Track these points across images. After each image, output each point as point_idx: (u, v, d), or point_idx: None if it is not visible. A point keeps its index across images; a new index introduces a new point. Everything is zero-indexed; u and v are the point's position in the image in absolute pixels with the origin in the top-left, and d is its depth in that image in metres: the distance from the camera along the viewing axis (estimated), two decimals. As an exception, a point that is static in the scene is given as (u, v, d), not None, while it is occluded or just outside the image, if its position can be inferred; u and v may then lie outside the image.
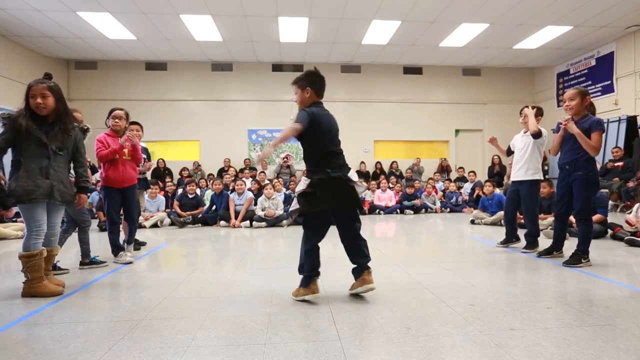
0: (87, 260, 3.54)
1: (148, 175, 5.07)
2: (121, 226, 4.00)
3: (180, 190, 7.94)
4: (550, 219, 5.14)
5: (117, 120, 3.72)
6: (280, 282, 3.00)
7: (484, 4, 7.34)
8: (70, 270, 3.39)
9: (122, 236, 4.03)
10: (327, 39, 9.21)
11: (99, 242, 5.04)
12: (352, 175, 2.54)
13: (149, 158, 4.97)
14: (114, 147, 3.62)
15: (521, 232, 4.26)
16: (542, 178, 4.03)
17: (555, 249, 3.71)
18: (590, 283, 2.90)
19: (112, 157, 3.63)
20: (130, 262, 3.72)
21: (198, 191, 7.61)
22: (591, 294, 2.63)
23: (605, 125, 9.07)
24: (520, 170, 4.07)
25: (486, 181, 7.36)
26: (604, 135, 9.20)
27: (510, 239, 4.32)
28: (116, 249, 3.74)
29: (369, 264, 2.55)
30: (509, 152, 4.33)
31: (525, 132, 4.09)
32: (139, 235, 4.76)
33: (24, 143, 2.60)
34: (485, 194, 7.00)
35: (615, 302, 2.43)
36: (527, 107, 4.06)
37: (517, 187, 4.12)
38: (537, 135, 3.87)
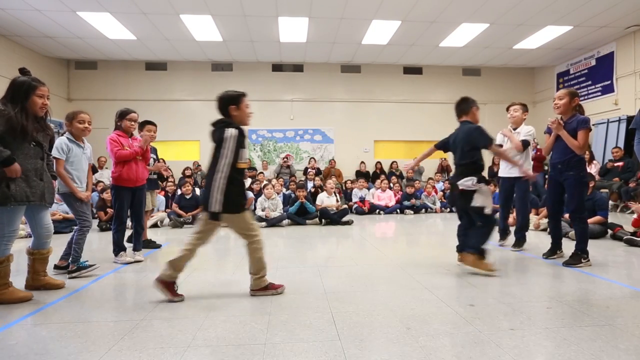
0: (75, 267, 3.29)
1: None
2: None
3: (179, 191, 7.92)
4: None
5: (133, 122, 3.81)
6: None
7: (484, 4, 7.34)
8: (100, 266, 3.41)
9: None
10: (327, 39, 9.21)
11: (99, 242, 5.04)
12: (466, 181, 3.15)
13: (157, 158, 5.00)
14: (136, 149, 3.70)
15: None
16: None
17: (557, 249, 3.72)
18: (590, 283, 2.90)
19: (132, 158, 3.68)
20: (138, 262, 3.75)
21: (198, 191, 7.60)
22: (591, 294, 2.63)
23: (606, 125, 9.08)
24: (515, 167, 4.03)
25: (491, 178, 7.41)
26: (604, 135, 9.15)
27: (507, 231, 4.39)
28: (118, 248, 3.75)
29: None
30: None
31: (515, 129, 4.15)
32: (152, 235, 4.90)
33: (17, 142, 2.46)
34: None
35: (615, 302, 2.43)
36: (514, 105, 4.17)
37: (513, 183, 4.15)
38: (523, 150, 4.00)
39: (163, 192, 7.62)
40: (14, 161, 2.41)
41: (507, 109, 4.24)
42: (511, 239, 4.30)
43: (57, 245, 3.31)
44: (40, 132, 2.60)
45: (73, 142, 3.27)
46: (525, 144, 4.00)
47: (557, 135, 3.44)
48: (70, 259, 3.26)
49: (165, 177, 8.26)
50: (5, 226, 2.51)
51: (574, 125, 3.36)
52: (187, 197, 7.02)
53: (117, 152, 3.60)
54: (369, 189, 9.04)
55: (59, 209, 5.97)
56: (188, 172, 9.89)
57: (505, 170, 4.21)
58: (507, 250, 4.17)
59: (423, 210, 8.50)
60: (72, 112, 3.36)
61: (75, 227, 3.37)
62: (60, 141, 3.20)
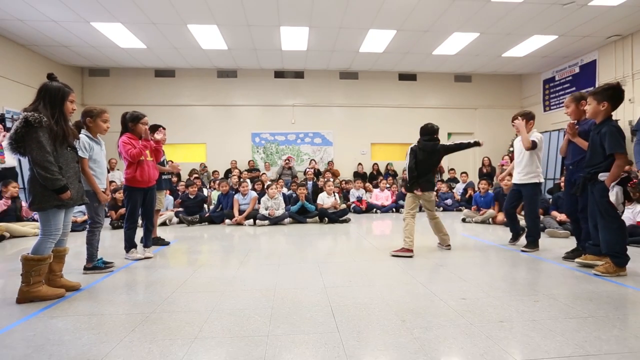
0: (91, 265, 3.25)
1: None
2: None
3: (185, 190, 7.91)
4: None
5: (147, 125, 3.78)
6: (282, 277, 3.00)
7: (475, 14, 7.35)
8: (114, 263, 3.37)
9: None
10: (327, 47, 9.21)
11: (111, 240, 5.04)
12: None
13: (166, 160, 5.00)
14: (144, 144, 3.65)
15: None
16: (542, 181, 3.95)
17: (580, 250, 3.58)
18: (574, 278, 2.90)
19: (142, 155, 3.66)
20: (147, 258, 3.77)
21: (205, 191, 7.58)
22: (575, 288, 2.64)
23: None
24: (520, 174, 3.99)
25: (481, 179, 7.46)
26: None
27: (518, 233, 4.30)
28: (129, 245, 3.75)
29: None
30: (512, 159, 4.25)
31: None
32: (160, 233, 4.88)
33: (59, 149, 2.46)
34: (480, 191, 7.06)
35: (598, 296, 2.44)
36: (517, 118, 3.95)
37: (519, 188, 4.04)
38: (531, 148, 3.82)
39: (170, 192, 7.63)
40: (67, 189, 2.47)
41: (512, 121, 4.05)
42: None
43: (74, 244, 3.30)
44: (70, 136, 2.60)
45: (92, 139, 3.18)
46: (533, 144, 3.80)
47: (568, 139, 3.41)
48: (86, 257, 3.25)
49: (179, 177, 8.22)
50: (52, 224, 2.49)
51: (585, 128, 3.28)
52: (191, 197, 7.03)
53: (129, 153, 3.58)
54: (366, 190, 9.02)
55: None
56: (195, 175, 9.87)
57: (514, 175, 4.10)
58: (497, 248, 4.17)
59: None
60: (97, 109, 3.20)
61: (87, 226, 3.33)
62: (83, 140, 3.09)
